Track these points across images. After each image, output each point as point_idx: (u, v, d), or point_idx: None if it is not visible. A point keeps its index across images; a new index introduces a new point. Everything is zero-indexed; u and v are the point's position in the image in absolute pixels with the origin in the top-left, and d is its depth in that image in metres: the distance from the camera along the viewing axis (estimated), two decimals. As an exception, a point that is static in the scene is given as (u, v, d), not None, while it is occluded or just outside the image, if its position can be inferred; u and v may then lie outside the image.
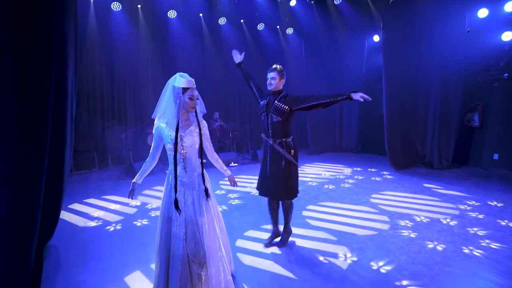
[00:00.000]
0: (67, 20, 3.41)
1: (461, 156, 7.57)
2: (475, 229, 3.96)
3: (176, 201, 2.45)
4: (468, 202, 5.01)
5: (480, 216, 4.38)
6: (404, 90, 7.51)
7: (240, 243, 3.73)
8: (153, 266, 3.12)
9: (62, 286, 2.92)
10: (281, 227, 3.73)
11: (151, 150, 2.59)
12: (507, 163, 6.79)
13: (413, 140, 7.83)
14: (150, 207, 5.06)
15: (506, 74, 6.61)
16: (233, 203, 5.24)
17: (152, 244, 3.57)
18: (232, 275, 2.84)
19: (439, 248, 3.48)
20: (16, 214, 1.97)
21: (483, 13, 6.77)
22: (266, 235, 3.91)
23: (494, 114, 7.01)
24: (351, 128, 10.35)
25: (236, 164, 8.39)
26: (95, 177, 7.24)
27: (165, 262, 2.52)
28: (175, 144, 2.41)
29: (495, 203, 4.94)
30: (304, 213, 4.69)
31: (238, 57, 3.82)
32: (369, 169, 7.55)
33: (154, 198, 5.50)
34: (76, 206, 5.20)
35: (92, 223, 4.46)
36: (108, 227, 4.31)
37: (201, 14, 9.31)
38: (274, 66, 3.43)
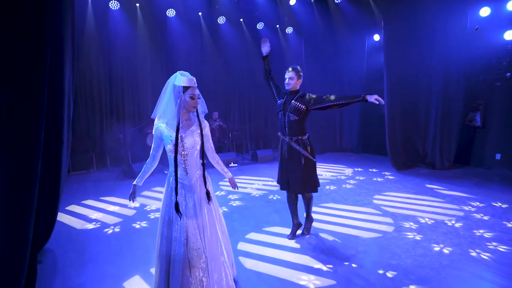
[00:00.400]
0: (64, 19, 3.32)
1: (463, 156, 7.51)
2: (481, 231, 3.89)
3: (177, 204, 2.36)
4: (472, 203, 4.94)
5: (485, 218, 4.31)
6: (405, 89, 7.44)
7: (241, 246, 3.65)
8: (153, 270, 3.04)
9: (59, 292, 2.84)
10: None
11: (151, 151, 2.51)
12: (509, 163, 6.73)
13: (414, 140, 7.76)
14: (149, 209, 4.97)
15: (508, 74, 6.56)
16: (234, 204, 5.16)
17: (151, 247, 3.48)
18: (234, 280, 2.76)
19: (445, 251, 3.41)
20: (8, 220, 1.87)
21: (485, 11, 6.71)
22: (268, 238, 3.83)
23: (496, 113, 6.96)
24: (352, 128, 10.27)
25: (236, 165, 8.30)
26: (93, 178, 7.14)
27: (166, 267, 2.44)
28: (176, 145, 2.32)
29: (500, 204, 4.87)
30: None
31: (266, 48, 3.79)
32: (370, 170, 7.48)
33: (154, 200, 5.41)
34: (73, 207, 5.10)
35: (90, 226, 4.36)
36: (106, 230, 4.21)
37: (200, 13, 9.21)
38: (291, 67, 3.55)
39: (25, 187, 1.90)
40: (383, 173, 7.14)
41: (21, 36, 1.96)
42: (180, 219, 2.39)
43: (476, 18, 6.82)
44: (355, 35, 9.53)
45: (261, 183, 6.43)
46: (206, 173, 2.52)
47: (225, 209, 4.91)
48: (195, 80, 2.34)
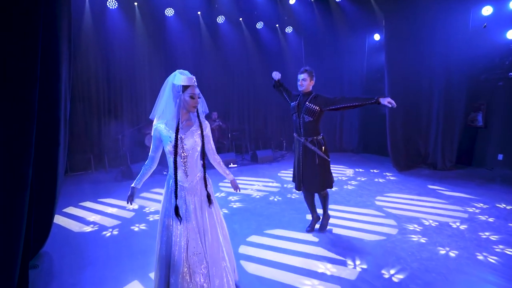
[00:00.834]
0: (60, 18, 3.24)
1: (465, 157, 7.43)
2: (486, 233, 3.82)
3: (176, 208, 2.28)
4: (476, 204, 4.87)
5: (490, 220, 4.23)
6: (407, 89, 7.36)
7: (243, 249, 3.56)
8: (151, 275, 2.96)
9: (55, 298, 2.75)
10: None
11: (150, 153, 2.42)
12: (512, 163, 6.66)
13: (415, 140, 7.68)
14: (148, 211, 4.88)
15: (511, 73, 6.48)
16: (234, 206, 5.08)
17: (150, 251, 3.40)
18: (236, 286, 2.68)
19: (451, 254, 3.33)
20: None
21: (487, 10, 6.63)
22: (270, 241, 3.76)
23: (498, 113, 6.88)
24: (352, 128, 10.18)
25: (235, 165, 8.21)
26: (91, 179, 7.04)
27: (165, 272, 2.36)
28: (175, 146, 2.24)
29: (504, 205, 4.80)
30: (309, 216, 4.49)
31: (277, 75, 3.79)
32: (372, 170, 7.41)
33: (152, 201, 5.32)
34: (71, 209, 5.00)
35: (88, 228, 4.27)
36: (104, 232, 4.12)
37: (199, 12, 9.12)
38: (304, 68, 3.58)
39: (15, 192, 1.79)
40: (384, 173, 7.06)
41: (10, 33, 1.87)
42: (180, 223, 2.31)
43: (478, 17, 6.75)
44: (356, 35, 9.44)
45: (261, 184, 6.34)
46: (207, 175, 2.43)
47: (225, 211, 4.83)
48: (194, 78, 2.25)
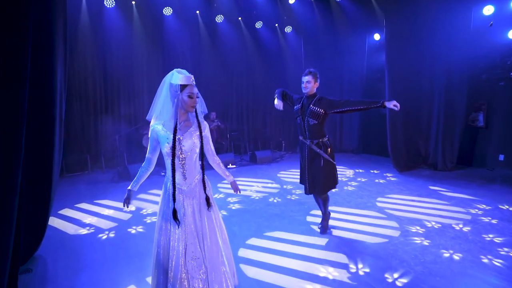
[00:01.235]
0: (55, 17, 3.16)
1: (466, 157, 7.38)
2: (490, 235, 3.75)
3: (174, 212, 2.20)
4: (478, 205, 4.81)
5: (494, 221, 4.17)
6: (407, 89, 7.29)
7: (242, 252, 3.48)
8: (149, 279, 2.88)
9: (49, 304, 2.66)
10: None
11: (147, 155, 2.34)
12: (513, 164, 6.61)
13: (416, 140, 7.62)
14: (145, 213, 4.79)
15: (512, 73, 6.43)
16: (233, 207, 5.00)
17: (148, 254, 3.33)
18: (236, 291, 2.60)
19: (455, 257, 3.26)
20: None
21: (488, 10, 6.58)
22: (270, 243, 3.68)
23: (499, 113, 6.83)
24: (352, 128, 10.12)
25: (234, 166, 8.13)
26: (88, 180, 6.94)
27: (163, 278, 2.28)
28: (173, 148, 2.16)
29: (507, 206, 4.74)
30: (309, 218, 4.45)
31: (279, 105, 3.64)
32: (372, 171, 7.34)
33: (150, 203, 5.23)
34: (66, 211, 4.91)
35: (84, 231, 4.18)
36: (100, 235, 4.03)
37: (197, 11, 9.03)
38: (308, 70, 3.52)
39: (4, 198, 1.69)
40: (384, 174, 7.00)
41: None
42: (178, 227, 2.23)
43: (479, 17, 6.69)
44: (356, 34, 9.37)
45: (260, 185, 6.26)
46: (206, 177, 2.35)
47: (224, 213, 4.74)
48: (193, 77, 2.17)
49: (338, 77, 10.06)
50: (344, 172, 7.29)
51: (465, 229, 3.96)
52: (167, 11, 8.46)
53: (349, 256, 3.35)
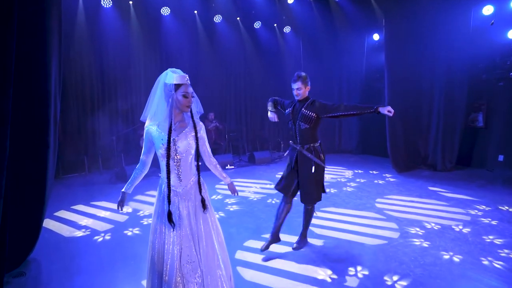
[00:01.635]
0: (48, 15, 3.11)
1: (465, 158, 7.34)
2: (490, 237, 3.71)
3: (169, 214, 2.15)
4: (478, 206, 4.77)
5: (494, 223, 4.13)
6: (407, 89, 7.26)
7: (239, 255, 3.43)
8: (144, 282, 2.83)
9: (42, 309, 2.61)
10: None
11: (141, 156, 2.29)
12: (513, 164, 6.57)
13: (415, 141, 7.58)
14: (142, 214, 4.74)
15: (512, 73, 6.39)
16: (231, 209, 4.95)
17: (144, 256, 3.26)
18: (233, 294, 2.55)
19: (455, 259, 3.22)
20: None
21: (488, 10, 6.55)
22: (267, 246, 3.62)
23: (499, 114, 6.79)
24: (351, 128, 10.07)
25: (233, 167, 8.08)
26: (85, 181, 6.88)
27: (158, 282, 2.23)
28: (168, 149, 2.11)
29: (506, 207, 4.70)
30: (307, 220, 4.39)
31: (273, 118, 3.59)
32: (371, 172, 7.30)
33: (147, 204, 5.18)
34: (62, 213, 4.85)
35: (79, 233, 4.13)
36: (96, 237, 3.98)
37: (195, 11, 8.99)
38: (297, 75, 3.31)
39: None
40: (384, 175, 6.95)
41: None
42: (173, 230, 2.18)
43: (479, 17, 6.66)
44: (355, 34, 9.33)
45: (259, 186, 6.22)
46: (201, 179, 2.30)
47: (222, 214, 4.69)
48: (187, 77, 2.12)
49: (337, 77, 10.03)
50: (343, 173, 7.25)
51: (465, 230, 3.92)
52: (165, 11, 8.41)
53: (348, 258, 3.31)
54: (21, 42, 2.99)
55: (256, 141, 10.42)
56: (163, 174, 2.20)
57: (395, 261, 3.22)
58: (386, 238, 3.75)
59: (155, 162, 2.37)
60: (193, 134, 2.21)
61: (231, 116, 10.21)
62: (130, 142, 7.93)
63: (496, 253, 3.33)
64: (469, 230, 3.93)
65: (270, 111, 3.59)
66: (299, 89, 3.27)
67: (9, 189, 2.96)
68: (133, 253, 3.51)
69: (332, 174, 7.18)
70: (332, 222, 4.30)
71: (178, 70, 2.11)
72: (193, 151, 2.22)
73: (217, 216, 4.56)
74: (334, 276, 2.96)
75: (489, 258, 3.21)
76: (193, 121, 2.22)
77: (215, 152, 8.72)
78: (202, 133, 2.29)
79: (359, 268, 3.10)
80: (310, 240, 3.74)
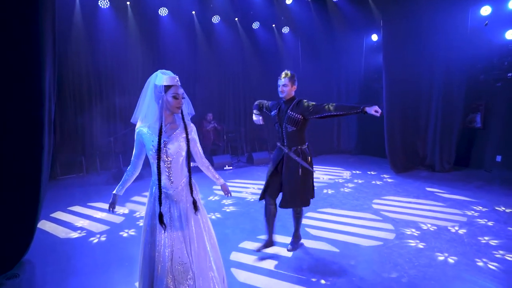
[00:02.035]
0: (42, 15, 3.11)
1: (463, 158, 7.33)
2: (486, 238, 3.70)
3: (160, 216, 2.15)
4: (475, 207, 4.76)
5: (490, 224, 4.12)
6: (405, 90, 7.25)
7: (234, 256, 3.43)
8: (137, 284, 2.82)
9: (34, 310, 2.61)
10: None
11: (132, 158, 2.30)
12: (511, 165, 6.55)
13: (413, 141, 7.58)
14: (138, 215, 4.74)
15: (510, 74, 6.38)
16: (227, 210, 4.94)
17: (138, 258, 3.26)
18: (225, 296, 2.54)
19: (450, 260, 3.21)
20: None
21: (486, 10, 6.54)
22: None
23: (497, 114, 6.78)
24: (350, 129, 10.07)
25: (231, 168, 8.08)
26: (82, 182, 6.88)
27: (149, 283, 2.22)
28: (158, 151, 2.10)
29: (503, 208, 4.69)
30: (303, 221, 4.37)
31: (258, 121, 3.55)
32: (369, 172, 7.29)
33: (143, 205, 5.13)
34: (58, 214, 4.85)
35: (75, 234, 4.12)
36: (91, 239, 3.98)
37: (193, 12, 8.98)
38: (284, 72, 3.25)
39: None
40: (381, 175, 6.95)
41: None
42: (165, 232, 2.17)
43: (477, 17, 6.65)
44: (353, 35, 9.33)
45: (256, 187, 6.20)
46: (193, 180, 2.30)
47: (218, 215, 4.69)
48: (177, 78, 2.12)
49: (335, 78, 10.03)
50: (341, 174, 7.24)
51: (461, 231, 3.91)
52: (163, 11, 8.40)
53: (343, 259, 3.30)
54: (15, 42, 3.00)
55: (254, 142, 10.41)
56: (154, 176, 2.20)
57: (389, 262, 3.21)
58: (382, 239, 3.75)
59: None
60: (184, 135, 2.21)
61: (230, 117, 10.20)
62: (128, 143, 7.92)
63: (491, 254, 3.32)
64: (465, 231, 3.92)
65: (255, 114, 3.54)
66: (285, 86, 3.20)
67: (2, 190, 2.96)
68: (128, 255, 3.50)
69: (329, 174, 7.18)
70: (328, 223, 4.29)
71: (168, 72, 2.12)
72: (184, 153, 2.22)
73: (213, 217, 4.59)
74: (329, 278, 2.95)
75: (484, 259, 3.21)
76: (184, 122, 2.22)
77: (213, 152, 8.73)
78: (193, 134, 2.28)
79: (353, 269, 3.09)
80: (304, 241, 3.74)
